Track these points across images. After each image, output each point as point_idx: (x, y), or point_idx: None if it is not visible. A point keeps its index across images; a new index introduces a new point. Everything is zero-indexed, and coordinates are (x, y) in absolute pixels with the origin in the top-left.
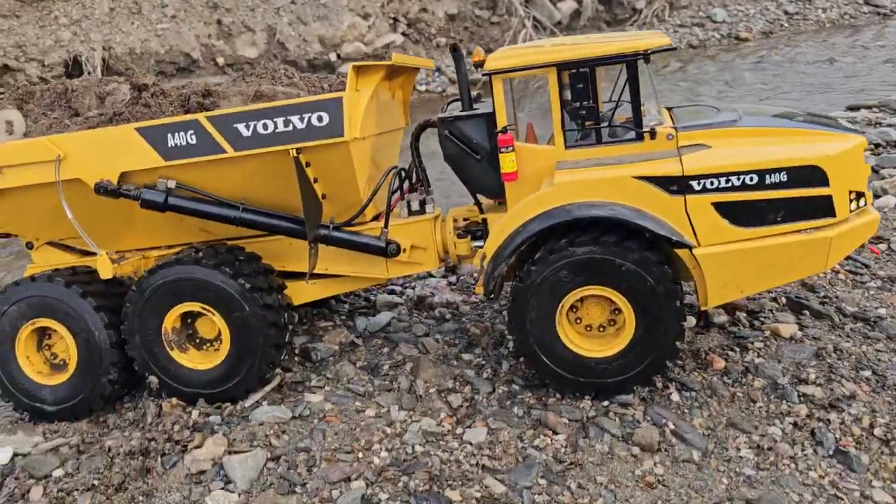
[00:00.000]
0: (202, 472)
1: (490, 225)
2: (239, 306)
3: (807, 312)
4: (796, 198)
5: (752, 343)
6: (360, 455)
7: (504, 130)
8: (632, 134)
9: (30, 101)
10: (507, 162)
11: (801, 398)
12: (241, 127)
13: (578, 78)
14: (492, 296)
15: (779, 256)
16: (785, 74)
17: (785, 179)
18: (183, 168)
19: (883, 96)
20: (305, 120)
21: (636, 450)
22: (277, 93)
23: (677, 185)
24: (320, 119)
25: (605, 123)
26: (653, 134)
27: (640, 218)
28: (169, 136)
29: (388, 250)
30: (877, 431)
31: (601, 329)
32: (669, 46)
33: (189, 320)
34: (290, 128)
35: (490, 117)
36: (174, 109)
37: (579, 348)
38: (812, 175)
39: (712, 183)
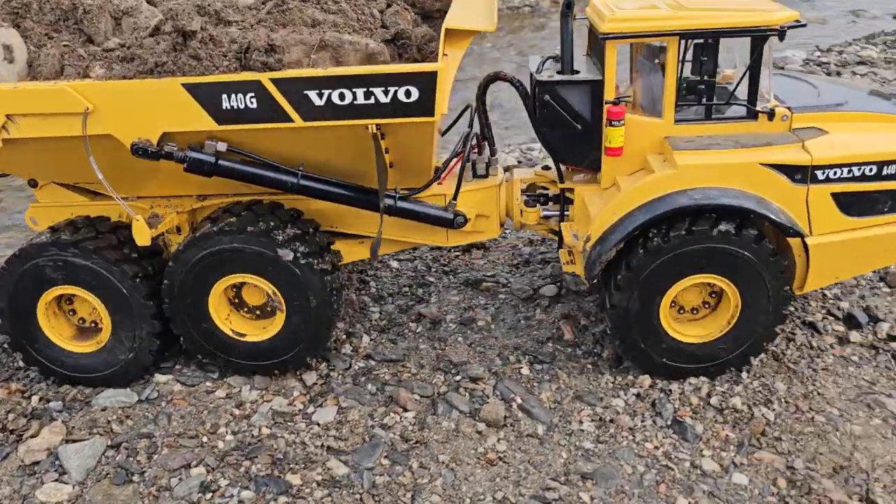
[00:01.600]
0: (36, 464)
1: (579, 197)
2: (291, 272)
3: None
4: None
5: None
6: (205, 439)
7: (617, 101)
8: (743, 111)
9: (26, 17)
10: (615, 136)
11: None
12: (312, 94)
13: (702, 49)
14: (594, 281)
15: (881, 245)
16: None
17: None
18: (237, 130)
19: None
20: (391, 94)
21: (482, 426)
22: (343, 42)
23: (802, 173)
24: (408, 94)
25: (722, 99)
26: (771, 115)
27: (765, 208)
28: (224, 96)
29: (454, 222)
30: (713, 400)
31: (696, 311)
32: (800, 22)
33: (235, 291)
34: (372, 101)
35: (598, 85)
36: (229, 64)
37: (678, 334)
38: None
39: (836, 173)
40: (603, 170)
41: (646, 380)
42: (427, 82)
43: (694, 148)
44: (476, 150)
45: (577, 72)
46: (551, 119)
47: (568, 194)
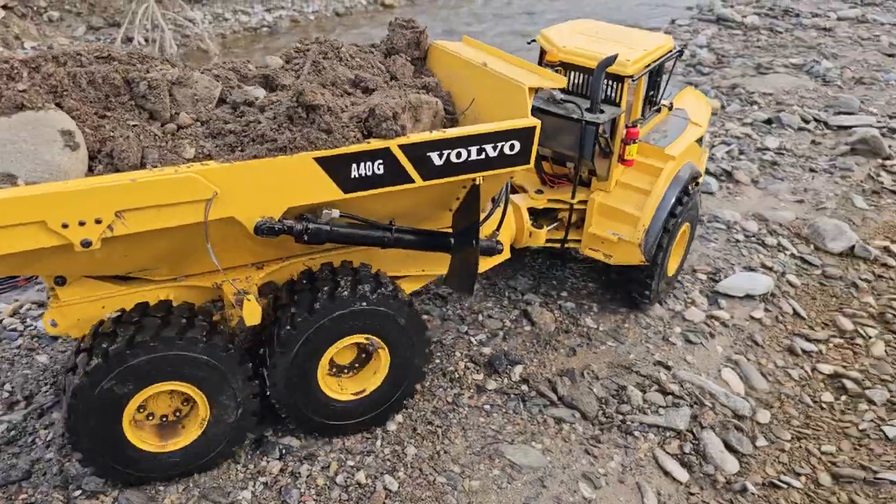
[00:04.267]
0: None
1: (597, 204)
2: (392, 320)
3: None
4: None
5: None
6: None
7: (634, 125)
8: (656, 108)
9: (67, 96)
10: (633, 151)
11: (282, 450)
12: (433, 155)
13: (659, 71)
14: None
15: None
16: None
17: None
18: (359, 197)
19: None
20: (498, 148)
21: None
22: (422, 103)
23: (700, 139)
24: (512, 147)
25: (656, 104)
26: (669, 107)
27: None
28: (353, 166)
29: (496, 251)
30: (339, 478)
31: None
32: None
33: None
34: (483, 156)
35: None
36: (355, 134)
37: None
38: None
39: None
40: (613, 176)
41: (275, 466)
42: (527, 135)
43: (667, 143)
44: None
45: (603, 110)
46: (593, 149)
47: (578, 206)
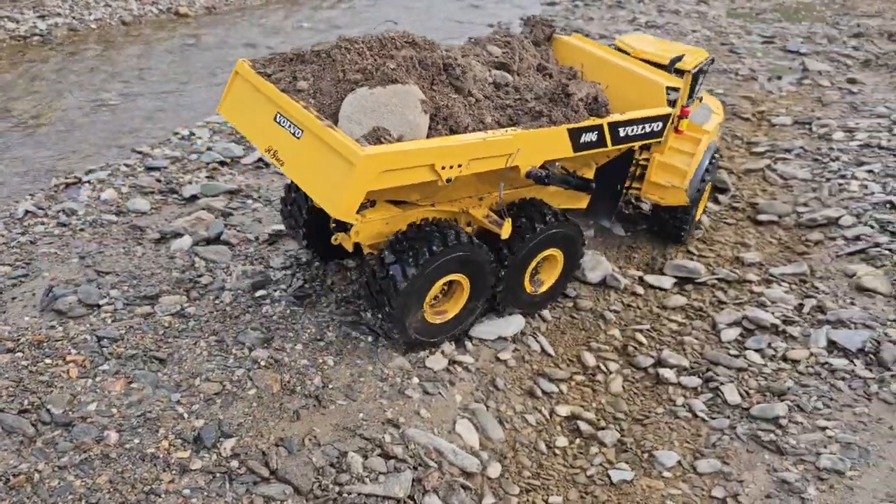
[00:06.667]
0: None
1: (655, 161)
2: (569, 236)
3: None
4: None
5: None
6: None
7: (688, 105)
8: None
9: (412, 73)
10: (684, 124)
11: None
12: (621, 130)
13: (699, 74)
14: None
15: None
16: (211, 56)
17: None
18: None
19: None
20: (650, 127)
21: None
22: (599, 90)
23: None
24: (658, 125)
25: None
26: (701, 99)
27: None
28: (583, 135)
29: (591, 188)
30: None
31: None
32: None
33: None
34: (642, 132)
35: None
36: (584, 113)
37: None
38: None
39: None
40: (667, 142)
41: None
42: (666, 119)
43: (703, 123)
44: None
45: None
46: None
47: (643, 161)
